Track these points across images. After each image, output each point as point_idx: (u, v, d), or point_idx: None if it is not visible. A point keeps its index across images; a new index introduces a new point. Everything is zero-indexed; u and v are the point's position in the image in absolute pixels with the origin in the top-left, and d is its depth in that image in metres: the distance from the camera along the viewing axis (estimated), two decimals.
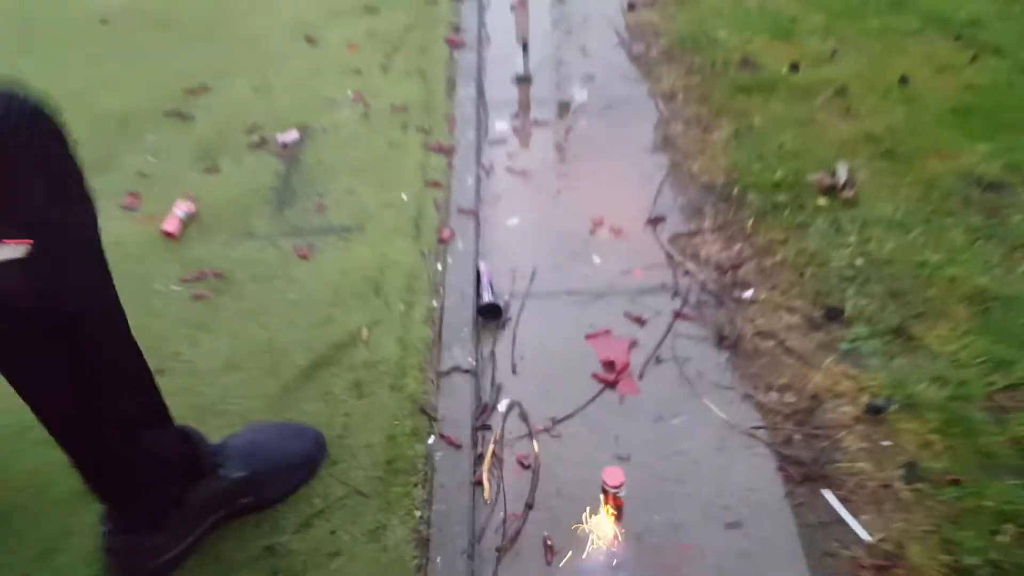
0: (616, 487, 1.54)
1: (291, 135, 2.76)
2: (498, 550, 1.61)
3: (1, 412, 1.63)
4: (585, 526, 1.63)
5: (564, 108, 2.92)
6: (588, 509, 1.65)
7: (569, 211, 2.48)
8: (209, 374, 1.99)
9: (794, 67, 2.95)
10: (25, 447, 1.78)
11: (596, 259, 2.29)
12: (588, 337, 2.06)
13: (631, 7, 3.44)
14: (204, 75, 3.15)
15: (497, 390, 1.95)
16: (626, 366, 1.97)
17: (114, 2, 3.73)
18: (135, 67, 3.26)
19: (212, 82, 3.11)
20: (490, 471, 1.77)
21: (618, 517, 1.60)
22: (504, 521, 1.66)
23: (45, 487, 1.71)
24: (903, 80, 2.86)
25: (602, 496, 1.60)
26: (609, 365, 1.98)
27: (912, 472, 1.71)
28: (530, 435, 1.84)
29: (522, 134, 2.85)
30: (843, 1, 3.39)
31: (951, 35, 3.15)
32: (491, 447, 1.81)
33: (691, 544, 1.61)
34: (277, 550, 1.60)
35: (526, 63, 3.05)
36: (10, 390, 1.26)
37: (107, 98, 3.05)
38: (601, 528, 1.61)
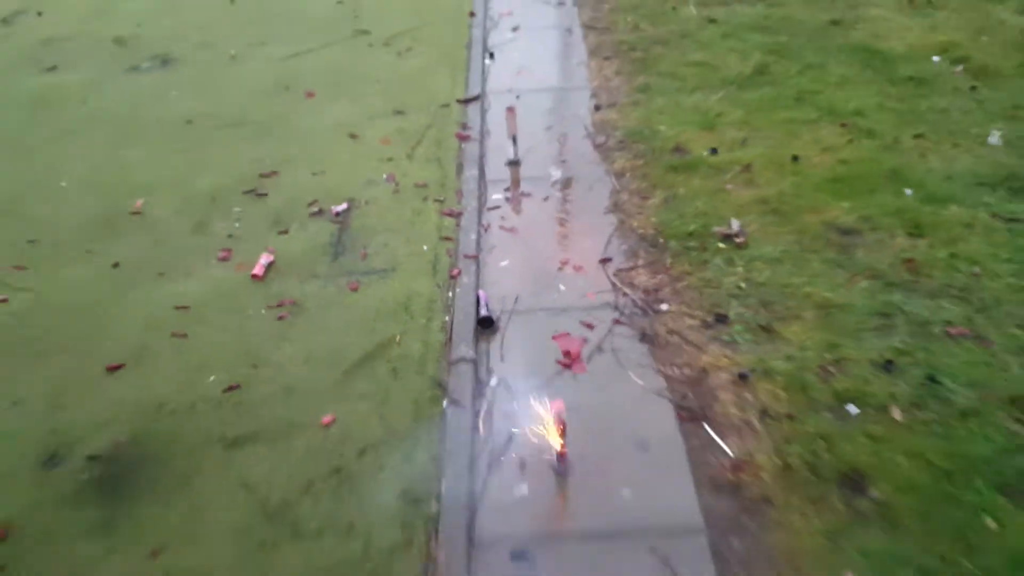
0: (560, 411, 2.42)
1: (342, 206, 3.74)
2: (490, 462, 2.50)
3: None
4: (546, 435, 2.51)
5: (542, 183, 3.89)
6: (547, 429, 2.52)
7: (544, 255, 3.42)
8: (291, 366, 2.91)
9: (713, 151, 3.94)
10: None
11: (562, 287, 3.22)
12: (554, 337, 2.97)
13: (597, 108, 4.46)
14: (272, 163, 4.16)
15: (489, 372, 2.86)
16: (579, 355, 2.88)
17: (196, 107, 4.80)
18: (218, 157, 4.27)
19: (279, 168, 4.12)
20: (486, 419, 2.66)
21: (563, 432, 2.46)
22: (491, 444, 2.56)
23: None
24: (795, 158, 3.84)
25: (554, 419, 2.47)
26: (567, 354, 2.88)
27: (764, 413, 2.59)
28: (511, 393, 2.74)
29: (512, 202, 3.81)
30: (759, 99, 4.40)
31: (838, 122, 4.13)
32: (486, 405, 2.71)
33: (614, 458, 2.49)
34: (342, 470, 2.50)
35: (516, 151, 4.04)
36: None
37: (199, 180, 4.05)
38: (553, 439, 2.48)
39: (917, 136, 3.97)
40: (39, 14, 6.32)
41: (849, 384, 2.66)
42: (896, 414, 2.57)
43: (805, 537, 2.26)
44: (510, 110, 3.93)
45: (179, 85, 5.04)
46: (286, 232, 3.63)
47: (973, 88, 4.40)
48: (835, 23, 5.23)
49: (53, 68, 5.37)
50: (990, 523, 2.26)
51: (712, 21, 5.35)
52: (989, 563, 2.16)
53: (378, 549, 2.28)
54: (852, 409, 2.59)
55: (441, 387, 2.78)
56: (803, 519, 2.30)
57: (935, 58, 4.71)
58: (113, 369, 2.92)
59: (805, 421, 2.56)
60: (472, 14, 5.75)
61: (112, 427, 2.70)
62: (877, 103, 4.30)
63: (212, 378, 2.85)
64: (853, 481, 2.39)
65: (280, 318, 3.13)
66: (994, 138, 3.93)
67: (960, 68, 4.59)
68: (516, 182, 3.93)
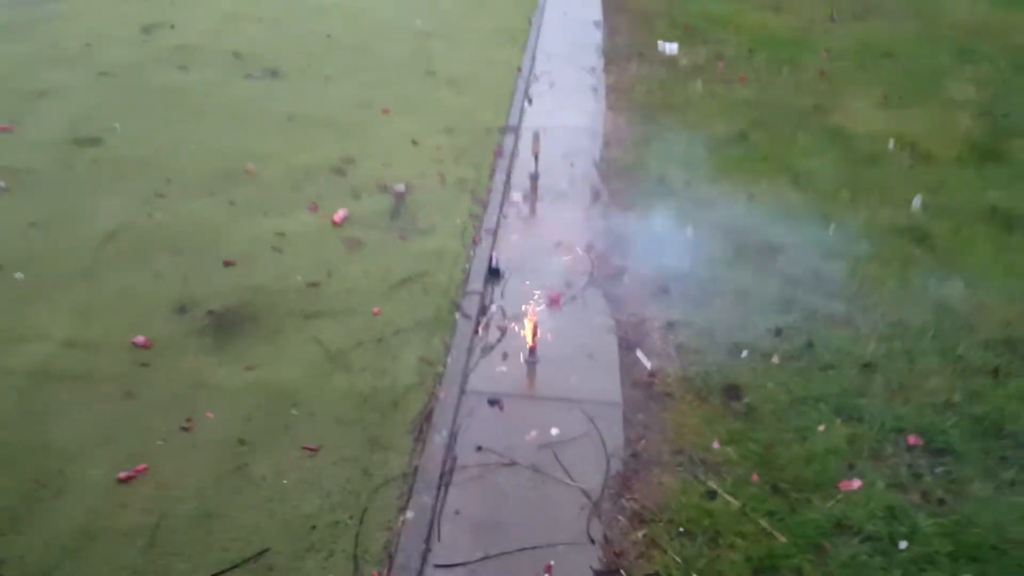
0: (534, 317, 3.52)
1: (400, 187, 4.95)
2: (483, 350, 3.61)
3: None
4: (524, 335, 3.60)
5: (552, 191, 5.06)
6: (525, 330, 3.61)
7: (543, 236, 4.56)
8: (354, 278, 4.06)
9: (687, 183, 5.10)
10: None
11: (554, 259, 4.35)
12: (543, 292, 4.09)
13: (606, 144, 5.67)
14: (352, 154, 5.39)
15: (491, 301, 3.97)
16: (558, 299, 3.99)
17: (296, 109, 6.06)
18: (311, 144, 5.51)
19: (356, 158, 5.35)
20: (485, 327, 3.77)
21: (535, 333, 3.54)
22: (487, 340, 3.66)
23: None
24: (751, 196, 4.97)
25: (530, 323, 3.56)
26: (552, 299, 3.99)
27: (679, 348, 3.67)
28: (504, 316, 3.85)
29: (527, 201, 4.97)
30: (733, 155, 5.57)
31: (792, 176, 5.27)
32: (485, 319, 3.83)
33: (569, 360, 3.58)
34: (383, 340, 3.62)
35: (536, 167, 5.21)
36: None
37: (296, 157, 5.28)
38: (528, 336, 3.57)
39: (853, 192, 5.09)
40: (172, 27, 7.77)
41: (746, 338, 3.74)
42: (775, 360, 3.63)
43: (689, 418, 3.30)
44: (535, 136, 5.13)
45: (283, 92, 6.37)
46: (358, 199, 4.83)
47: (912, 167, 5.53)
48: (816, 108, 6.42)
49: (184, 67, 6.75)
50: (820, 428, 3.28)
51: (712, 96, 6.59)
52: (813, 449, 3.18)
53: (401, 385, 3.38)
54: (744, 353, 3.65)
55: (456, 305, 3.90)
56: (690, 408, 3.35)
57: (891, 142, 5.84)
58: (228, 264, 4.10)
59: (707, 354, 3.63)
60: (519, 69, 7.06)
61: (225, 297, 3.87)
62: (830, 167, 5.43)
63: (299, 277, 4.01)
64: (732, 391, 3.44)
65: (349, 249, 4.30)
66: (916, 203, 5.01)
67: (907, 152, 5.73)
68: (533, 188, 5.10)
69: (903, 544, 2.77)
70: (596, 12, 8.93)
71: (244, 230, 4.43)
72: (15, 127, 5.56)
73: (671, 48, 7.59)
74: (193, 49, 7.19)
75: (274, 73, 6.71)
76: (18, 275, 3.98)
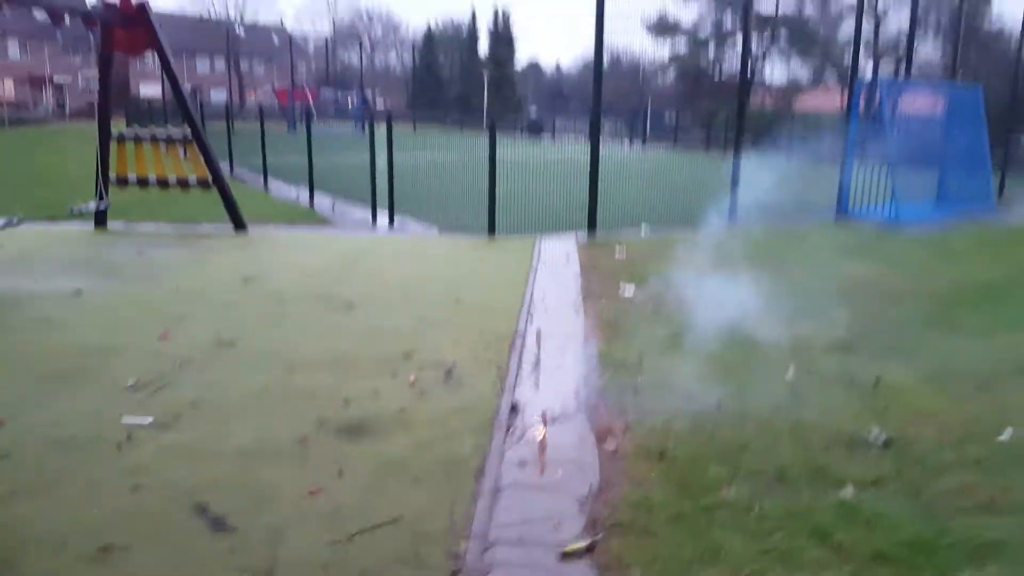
0: (543, 433, 5.85)
1: (449, 363, 7.43)
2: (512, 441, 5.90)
3: None
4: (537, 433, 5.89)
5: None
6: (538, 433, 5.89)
7: (544, 390, 6.95)
8: (423, 413, 6.39)
9: (639, 360, 7.62)
10: None
11: (552, 403, 6.73)
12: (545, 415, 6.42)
13: (585, 339, 8.25)
14: (413, 348, 7.91)
15: (512, 422, 6.29)
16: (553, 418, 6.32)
17: (369, 325, 8.69)
18: (389, 344, 8.04)
19: (417, 351, 7.85)
20: (510, 433, 6.08)
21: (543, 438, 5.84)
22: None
23: None
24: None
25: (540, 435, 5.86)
26: (550, 419, 6.33)
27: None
28: (524, 427, 6.16)
29: (534, 372, 7.41)
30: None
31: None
32: (511, 430, 6.14)
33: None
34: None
35: (539, 352, 7.70)
36: None
37: (376, 351, 7.78)
38: (539, 433, 5.85)
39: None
40: (265, 279, 10.73)
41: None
42: None
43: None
44: (538, 333, 7.72)
45: (359, 317, 9.07)
46: (422, 370, 7.26)
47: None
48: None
49: (281, 302, 9.53)
50: None
51: (656, 315, 9.35)
52: None
53: (463, 452, 5.60)
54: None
55: (492, 423, 6.22)
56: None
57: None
58: (346, 401, 6.45)
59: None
60: (523, 301, 9.92)
61: (349, 415, 6.16)
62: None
63: (390, 410, 6.36)
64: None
65: (419, 396, 6.66)
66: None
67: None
68: (536, 364, 7.58)
69: None
70: (576, 269, 12.09)
71: (353, 388, 6.80)
72: (170, 335, 8.14)
73: (629, 290, 10.55)
74: (284, 292, 10.06)
75: (350, 305, 9.49)
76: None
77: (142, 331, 8.18)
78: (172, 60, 13.73)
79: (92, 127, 15.43)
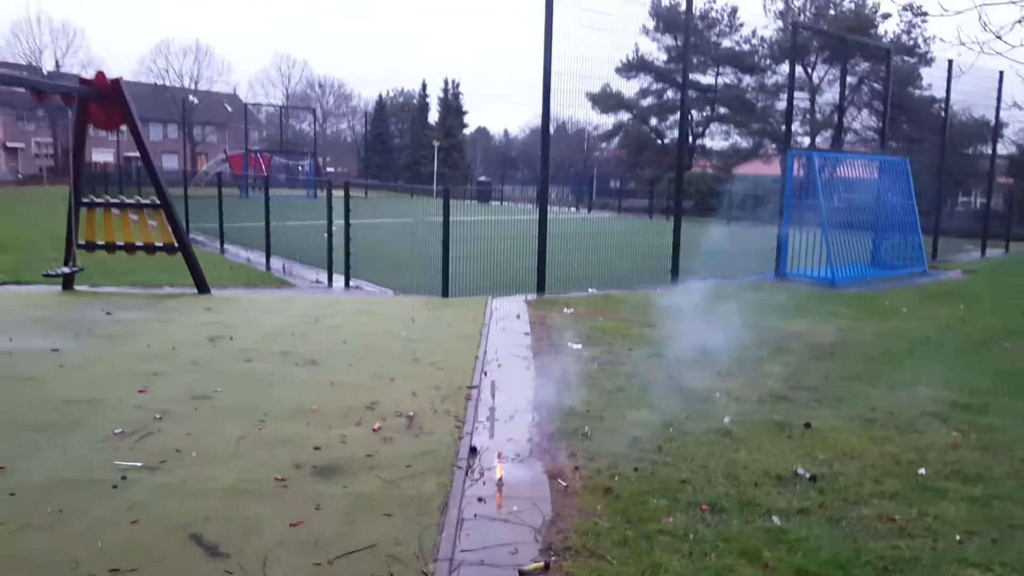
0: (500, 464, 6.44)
1: (410, 413, 7.96)
2: (471, 484, 6.47)
3: None
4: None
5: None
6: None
7: (499, 436, 7.53)
8: (390, 459, 6.92)
9: (598, 419, 8.28)
10: None
11: (506, 445, 7.31)
12: (501, 455, 7.00)
13: (535, 392, 8.88)
14: (376, 400, 8.42)
15: (472, 462, 6.86)
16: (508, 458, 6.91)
17: (332, 379, 9.19)
18: (352, 396, 8.56)
19: (380, 402, 8.36)
20: (471, 472, 6.64)
21: (500, 473, 6.43)
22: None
23: None
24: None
25: (497, 467, 6.44)
26: (505, 458, 6.91)
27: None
28: (482, 468, 6.72)
29: (489, 420, 7.99)
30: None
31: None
32: (472, 470, 6.71)
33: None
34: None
35: (493, 403, 8.30)
36: None
37: (340, 402, 8.28)
38: (497, 471, 6.44)
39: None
40: (231, 339, 11.15)
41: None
42: None
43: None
44: (492, 384, 8.34)
45: (323, 371, 9.57)
46: (385, 420, 7.79)
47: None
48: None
49: (248, 360, 9.97)
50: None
51: (603, 371, 10.06)
52: None
53: (424, 493, 6.14)
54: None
55: (453, 465, 6.77)
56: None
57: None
58: (316, 449, 6.92)
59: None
60: (476, 357, 10.54)
61: (323, 459, 6.64)
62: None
63: (359, 456, 6.86)
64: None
65: (385, 442, 7.17)
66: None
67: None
68: (491, 413, 8.17)
69: None
70: (526, 326, 12.80)
71: (321, 437, 7.28)
72: (148, 389, 8.53)
73: (576, 346, 11.27)
74: (250, 350, 10.51)
75: (313, 362, 9.99)
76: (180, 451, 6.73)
77: (120, 386, 8.55)
78: (143, 134, 14.29)
79: (45, 192, 15.89)
